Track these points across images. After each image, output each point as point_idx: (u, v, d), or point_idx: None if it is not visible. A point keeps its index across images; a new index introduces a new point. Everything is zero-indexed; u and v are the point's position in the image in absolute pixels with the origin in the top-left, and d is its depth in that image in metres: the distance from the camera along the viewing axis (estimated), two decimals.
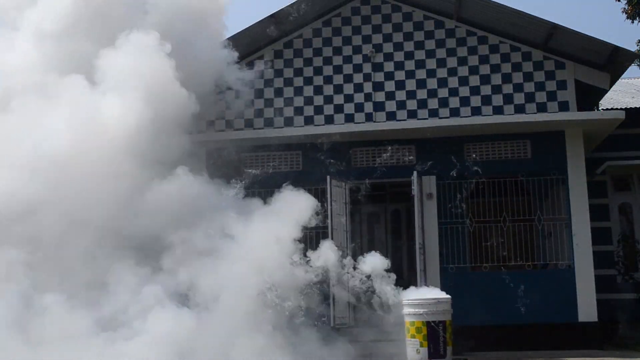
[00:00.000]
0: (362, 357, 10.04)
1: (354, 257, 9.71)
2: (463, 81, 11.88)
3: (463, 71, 11.92)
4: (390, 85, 12.04)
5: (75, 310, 8.65)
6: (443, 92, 11.90)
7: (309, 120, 12.13)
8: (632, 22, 17.02)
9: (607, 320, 11.26)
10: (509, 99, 11.72)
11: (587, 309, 10.50)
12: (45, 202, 9.26)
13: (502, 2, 11.17)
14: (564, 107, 11.54)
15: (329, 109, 12.14)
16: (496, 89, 11.79)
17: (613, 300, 12.24)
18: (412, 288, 9.32)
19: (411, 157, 11.55)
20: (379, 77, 12.11)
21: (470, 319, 10.39)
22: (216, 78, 11.44)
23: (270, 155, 11.85)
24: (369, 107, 12.04)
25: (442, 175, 11.31)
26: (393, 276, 9.18)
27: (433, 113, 11.83)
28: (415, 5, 12.26)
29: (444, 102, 11.86)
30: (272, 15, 11.74)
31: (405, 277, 14.60)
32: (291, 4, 11.73)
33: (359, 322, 10.52)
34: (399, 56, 12.14)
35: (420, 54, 12.10)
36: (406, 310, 8.81)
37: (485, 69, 11.88)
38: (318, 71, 12.31)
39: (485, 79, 11.84)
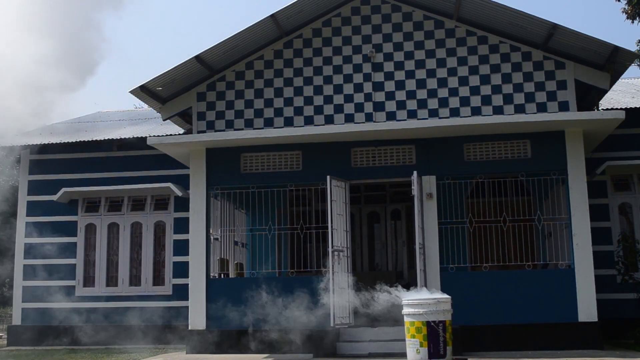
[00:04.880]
0: (362, 357, 10.07)
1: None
2: (463, 81, 11.89)
3: (463, 71, 11.93)
4: (390, 85, 12.05)
5: None
6: (443, 92, 11.91)
7: (309, 120, 12.14)
8: (632, 22, 17.07)
9: (606, 320, 11.24)
10: (509, 99, 11.73)
11: (587, 309, 10.50)
12: None
13: (502, 2, 11.18)
14: (564, 107, 11.55)
15: (329, 109, 12.15)
16: (496, 89, 11.80)
17: (613, 300, 12.24)
18: (412, 288, 9.32)
19: (411, 157, 11.54)
20: (379, 77, 12.12)
21: (470, 319, 10.40)
22: None
23: (270, 155, 11.86)
24: (369, 107, 12.05)
25: (442, 175, 11.31)
26: None
27: (433, 113, 11.84)
28: (415, 5, 12.26)
29: (444, 102, 11.87)
30: (272, 15, 11.74)
31: (405, 277, 14.66)
32: (291, 4, 11.73)
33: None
34: (398, 56, 12.15)
35: (420, 54, 12.10)
36: (406, 310, 8.82)
37: (485, 69, 11.89)
38: (318, 71, 12.31)
39: (485, 79, 11.85)
